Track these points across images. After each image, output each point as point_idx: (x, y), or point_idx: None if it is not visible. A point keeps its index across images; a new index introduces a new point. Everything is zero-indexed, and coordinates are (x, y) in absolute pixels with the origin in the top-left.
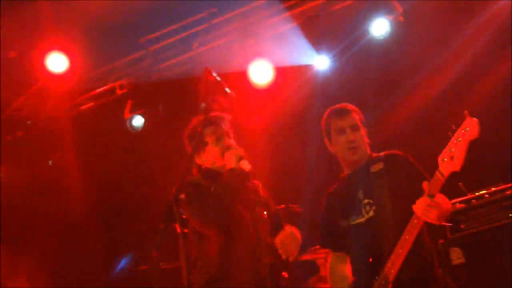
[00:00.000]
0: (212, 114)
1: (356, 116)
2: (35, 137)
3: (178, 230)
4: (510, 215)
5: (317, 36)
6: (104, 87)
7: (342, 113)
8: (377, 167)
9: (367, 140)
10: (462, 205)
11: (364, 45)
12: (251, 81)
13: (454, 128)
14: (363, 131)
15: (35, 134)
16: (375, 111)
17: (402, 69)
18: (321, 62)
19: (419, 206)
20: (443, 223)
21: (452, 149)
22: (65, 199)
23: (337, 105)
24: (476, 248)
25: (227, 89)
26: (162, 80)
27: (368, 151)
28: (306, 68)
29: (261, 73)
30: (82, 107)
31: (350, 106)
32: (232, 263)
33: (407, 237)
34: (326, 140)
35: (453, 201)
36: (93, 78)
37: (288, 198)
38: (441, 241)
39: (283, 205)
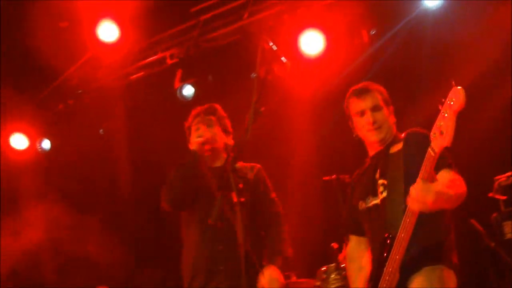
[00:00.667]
0: (205, 105)
1: (378, 95)
2: (86, 106)
3: (235, 199)
4: None
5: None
6: (155, 57)
7: (362, 93)
8: (396, 148)
9: (393, 119)
10: None
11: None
12: (302, 51)
13: (442, 100)
14: (386, 111)
15: (86, 103)
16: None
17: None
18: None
19: (412, 194)
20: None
21: (442, 123)
22: (114, 168)
23: (358, 85)
24: None
25: (283, 58)
26: (212, 49)
27: (394, 130)
28: (357, 40)
29: (312, 43)
30: (132, 77)
31: (372, 85)
32: (207, 246)
33: (408, 219)
34: (349, 123)
35: (506, 174)
36: (143, 48)
37: (337, 167)
38: (494, 214)
39: (334, 175)
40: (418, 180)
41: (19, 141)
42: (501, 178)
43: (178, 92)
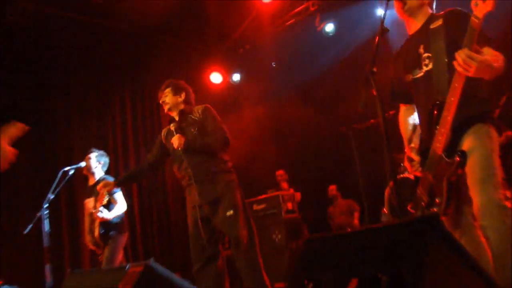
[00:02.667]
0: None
1: None
2: (259, 47)
3: (374, 93)
4: None
5: None
6: (301, 7)
7: None
8: (436, 23)
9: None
10: None
11: None
12: None
13: None
14: None
15: (259, 46)
16: None
17: None
18: None
19: (459, 59)
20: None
21: None
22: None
23: None
24: None
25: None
26: None
27: (428, 11)
28: None
29: None
30: (287, 23)
31: None
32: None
33: (456, 85)
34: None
35: None
36: (292, 1)
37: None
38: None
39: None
40: (464, 48)
41: (216, 77)
42: None
43: (323, 30)
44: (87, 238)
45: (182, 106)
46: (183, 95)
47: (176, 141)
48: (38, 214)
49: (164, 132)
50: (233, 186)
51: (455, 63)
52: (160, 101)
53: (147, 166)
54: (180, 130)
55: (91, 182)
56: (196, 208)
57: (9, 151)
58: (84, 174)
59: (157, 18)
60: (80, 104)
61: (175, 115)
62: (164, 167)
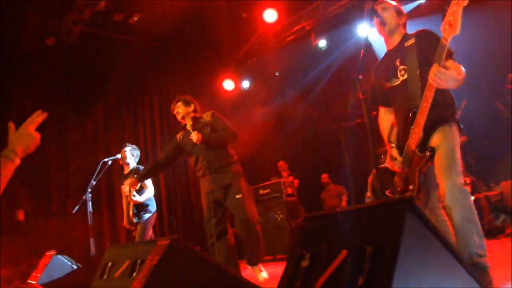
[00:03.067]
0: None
1: (389, 4)
2: (264, 60)
3: (360, 96)
4: None
5: None
6: (298, 26)
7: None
8: (409, 42)
9: (399, 21)
10: None
11: None
12: None
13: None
14: (393, 12)
15: (264, 58)
16: None
17: None
18: None
19: (431, 74)
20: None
21: (450, 18)
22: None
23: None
24: None
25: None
26: (332, 18)
27: (403, 31)
28: None
29: None
30: (287, 39)
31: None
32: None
33: (427, 93)
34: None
35: None
36: (291, 22)
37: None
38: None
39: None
40: (435, 64)
41: (228, 84)
42: None
43: (317, 45)
44: (124, 220)
45: (193, 114)
46: (192, 106)
47: (195, 136)
48: (84, 197)
49: (179, 135)
50: (240, 175)
51: (429, 77)
52: (174, 112)
53: (164, 162)
54: (196, 129)
55: (126, 171)
56: (209, 194)
57: (36, 136)
58: (120, 165)
59: (179, 34)
60: (117, 107)
61: (187, 121)
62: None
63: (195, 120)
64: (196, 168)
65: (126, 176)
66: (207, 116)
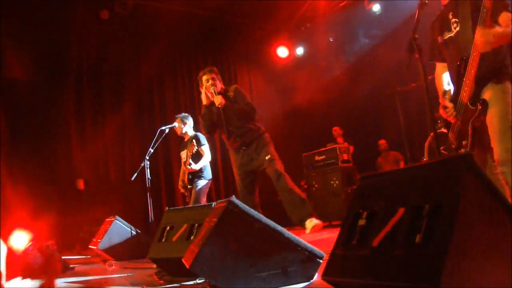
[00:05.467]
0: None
1: None
2: (318, 25)
3: (417, 56)
4: None
5: None
6: None
7: None
8: None
9: None
10: None
11: None
12: None
13: None
14: None
15: (317, 24)
16: None
17: None
18: None
19: (477, 37)
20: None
21: None
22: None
23: None
24: None
25: None
26: None
27: None
28: None
29: None
30: (340, 5)
31: None
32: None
33: (474, 53)
34: None
35: None
36: None
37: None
38: None
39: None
40: (478, 27)
41: (282, 51)
42: None
43: (370, 9)
44: (179, 183)
45: (221, 89)
46: (222, 82)
47: (218, 99)
48: (142, 164)
49: (204, 110)
50: (268, 140)
51: (475, 40)
52: (211, 82)
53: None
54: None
55: (186, 138)
56: (238, 161)
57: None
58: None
59: (233, 5)
60: (172, 76)
61: (212, 90)
62: None
63: (222, 93)
64: (226, 139)
65: (186, 144)
66: (231, 90)
